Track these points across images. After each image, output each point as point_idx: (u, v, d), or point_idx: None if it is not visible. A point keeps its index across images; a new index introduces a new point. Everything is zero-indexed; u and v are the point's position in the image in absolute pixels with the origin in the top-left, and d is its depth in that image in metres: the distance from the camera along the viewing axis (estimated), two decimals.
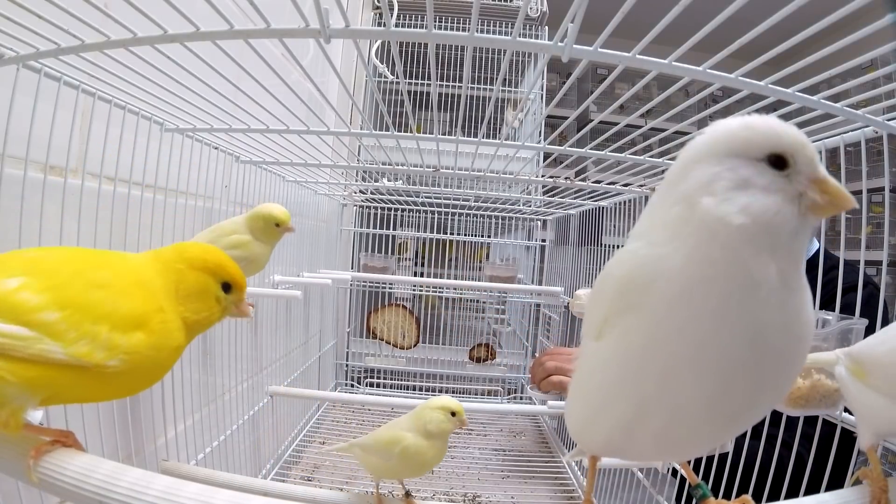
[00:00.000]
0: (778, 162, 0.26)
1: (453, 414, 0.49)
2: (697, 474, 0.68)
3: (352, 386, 1.44)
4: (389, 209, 1.43)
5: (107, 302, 0.28)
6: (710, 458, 0.63)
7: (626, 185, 0.82)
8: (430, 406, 0.50)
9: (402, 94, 1.37)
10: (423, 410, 0.50)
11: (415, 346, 1.39)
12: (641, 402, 0.28)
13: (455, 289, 1.45)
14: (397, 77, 0.83)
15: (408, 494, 0.53)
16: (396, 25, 1.05)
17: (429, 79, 0.85)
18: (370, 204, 1.39)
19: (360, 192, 1.24)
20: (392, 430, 0.50)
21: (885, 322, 0.45)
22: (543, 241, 1.49)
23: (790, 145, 0.26)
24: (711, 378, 0.26)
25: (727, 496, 0.60)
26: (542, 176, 0.88)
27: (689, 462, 0.41)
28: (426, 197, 1.26)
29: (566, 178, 0.84)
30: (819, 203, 0.25)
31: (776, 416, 0.48)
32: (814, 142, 0.52)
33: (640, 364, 0.27)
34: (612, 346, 0.28)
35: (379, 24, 1.29)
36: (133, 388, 0.31)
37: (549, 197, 1.01)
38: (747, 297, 0.25)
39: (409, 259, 1.53)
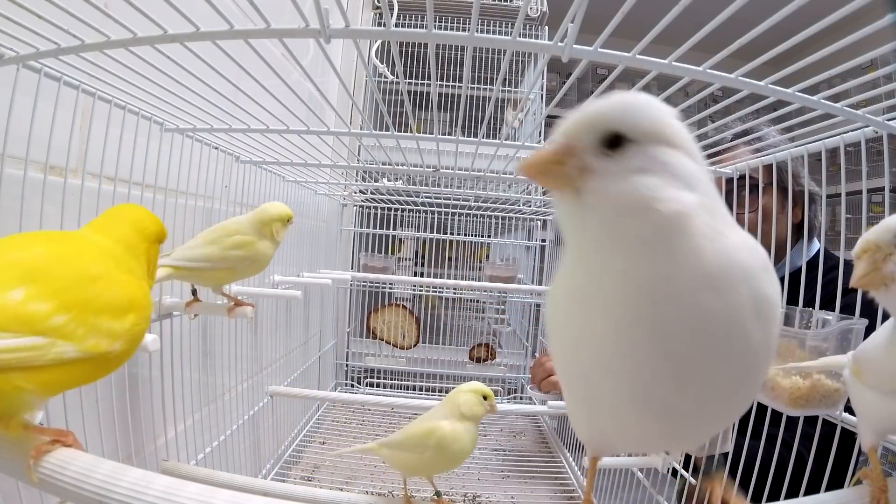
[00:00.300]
0: None
1: (485, 398, 0.50)
2: (698, 473, 0.68)
3: (352, 386, 1.44)
4: (389, 209, 1.43)
5: (103, 294, 0.30)
6: (710, 458, 0.63)
7: None
8: (461, 390, 0.51)
9: (402, 94, 1.37)
10: (455, 395, 0.51)
11: (415, 346, 1.39)
12: (588, 403, 0.29)
13: (455, 289, 1.45)
14: (397, 77, 0.83)
15: (438, 495, 0.54)
16: (396, 25, 1.05)
17: (429, 79, 0.85)
18: (370, 204, 1.39)
19: (360, 192, 1.24)
20: (424, 423, 0.50)
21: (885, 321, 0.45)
22: (543, 241, 1.48)
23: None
24: (619, 378, 0.26)
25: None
26: None
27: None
28: (426, 197, 1.26)
29: None
30: None
31: (776, 415, 0.48)
32: (813, 142, 0.53)
33: (567, 371, 0.29)
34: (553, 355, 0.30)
35: (379, 24, 1.29)
36: (123, 361, 0.33)
37: (550, 197, 1.01)
38: (600, 297, 0.25)
39: (409, 259, 1.53)
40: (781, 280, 0.61)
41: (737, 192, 0.79)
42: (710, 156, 0.68)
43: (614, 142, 0.25)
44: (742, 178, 0.68)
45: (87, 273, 0.30)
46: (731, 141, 0.65)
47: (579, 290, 0.26)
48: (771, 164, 0.60)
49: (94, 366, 0.29)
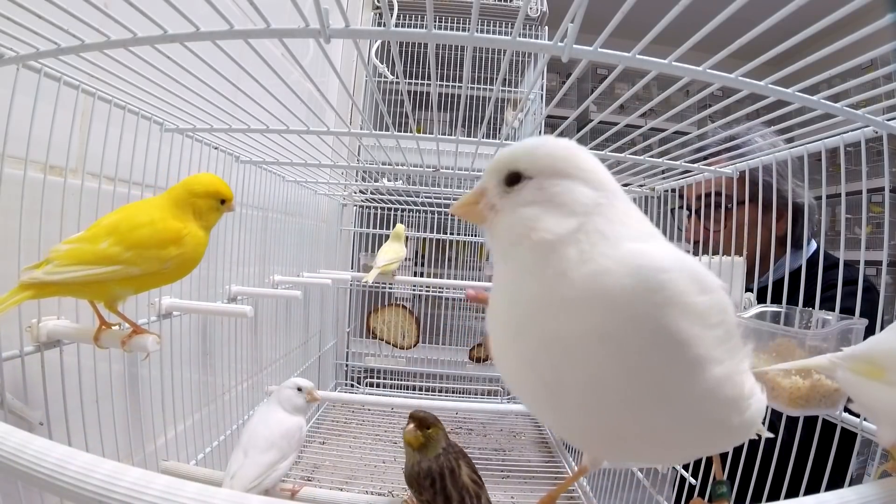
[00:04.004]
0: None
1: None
2: (697, 473, 0.68)
3: (352, 386, 1.44)
4: (389, 209, 1.43)
5: (151, 236, 0.44)
6: (709, 458, 0.63)
7: (625, 185, 0.82)
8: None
9: (402, 94, 1.37)
10: None
11: (415, 346, 1.39)
12: (532, 410, 0.31)
13: (455, 289, 1.45)
14: (397, 77, 0.83)
15: None
16: (396, 25, 1.05)
17: (429, 79, 0.85)
18: (370, 204, 1.39)
19: (360, 192, 1.24)
20: None
21: (884, 322, 0.45)
22: None
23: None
24: (533, 394, 0.28)
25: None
26: None
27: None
28: (426, 197, 1.26)
29: None
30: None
31: (776, 415, 0.48)
32: (814, 142, 0.53)
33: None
34: None
35: (379, 24, 1.29)
36: (184, 272, 0.48)
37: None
38: (503, 312, 0.28)
39: (409, 259, 1.53)
40: (763, 289, 0.61)
41: (712, 208, 0.79)
42: (707, 156, 0.67)
43: (514, 179, 0.29)
44: (717, 195, 0.67)
45: (139, 223, 0.44)
46: (717, 146, 0.65)
47: (496, 304, 0.29)
48: (745, 179, 0.60)
49: (158, 277, 0.46)
